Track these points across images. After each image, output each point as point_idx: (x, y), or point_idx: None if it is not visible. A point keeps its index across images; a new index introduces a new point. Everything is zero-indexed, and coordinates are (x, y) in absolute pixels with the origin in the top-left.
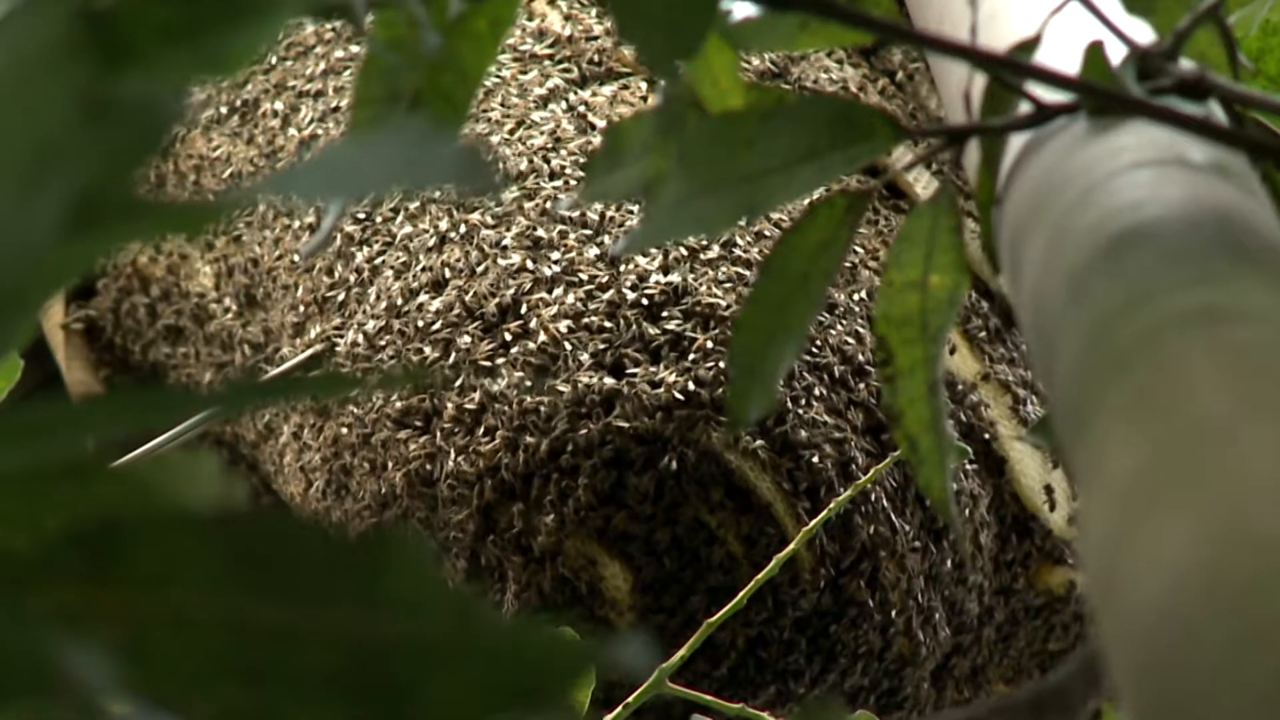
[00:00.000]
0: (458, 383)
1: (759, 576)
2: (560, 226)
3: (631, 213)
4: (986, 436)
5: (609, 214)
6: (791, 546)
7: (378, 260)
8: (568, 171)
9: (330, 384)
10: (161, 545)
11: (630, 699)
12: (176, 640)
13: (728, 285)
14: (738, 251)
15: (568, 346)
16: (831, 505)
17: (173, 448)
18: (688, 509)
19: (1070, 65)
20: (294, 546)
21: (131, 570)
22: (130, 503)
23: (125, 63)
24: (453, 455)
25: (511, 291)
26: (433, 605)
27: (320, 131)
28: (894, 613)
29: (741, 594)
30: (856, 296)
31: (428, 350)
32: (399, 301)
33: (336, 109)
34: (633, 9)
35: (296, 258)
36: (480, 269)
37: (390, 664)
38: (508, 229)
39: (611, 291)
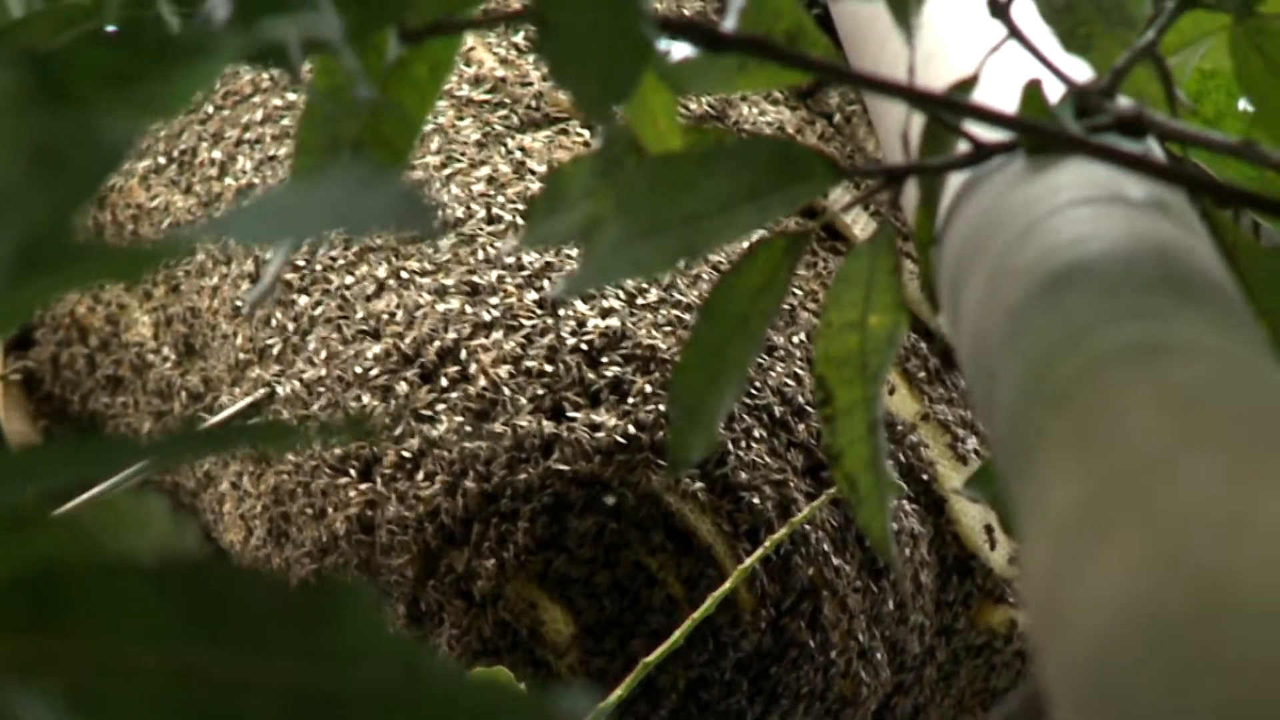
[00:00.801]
0: (398, 430)
1: (695, 615)
2: (499, 271)
3: (571, 257)
4: (926, 477)
5: (548, 259)
6: (728, 585)
7: (316, 308)
8: (506, 217)
9: (270, 433)
10: (107, 594)
11: None
12: (123, 689)
13: (667, 328)
14: (677, 295)
15: (507, 391)
16: (768, 543)
17: (115, 495)
18: (628, 552)
19: (1008, 104)
20: (240, 596)
21: (77, 619)
22: (74, 551)
23: (66, 105)
24: (393, 501)
25: (450, 337)
26: (379, 656)
27: (257, 180)
28: (835, 653)
29: (678, 633)
30: (795, 338)
31: (366, 397)
32: (338, 349)
33: (274, 158)
34: (566, 54)
35: (238, 307)
36: (419, 315)
37: (337, 714)
38: (446, 275)
39: (551, 336)
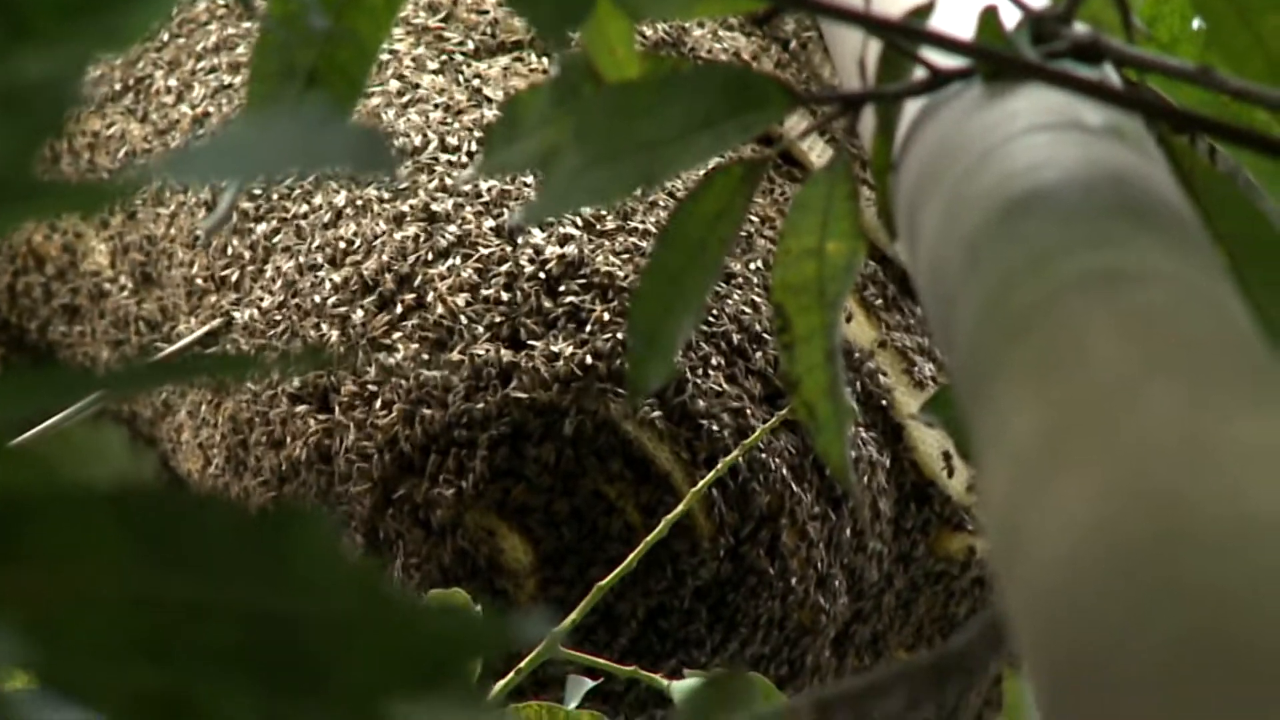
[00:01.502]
0: (356, 358)
1: (648, 538)
2: (456, 200)
3: (528, 185)
4: (884, 403)
5: (505, 187)
6: (680, 508)
7: (274, 237)
8: (462, 145)
9: (228, 363)
10: (65, 523)
11: (523, 664)
12: (81, 618)
13: (625, 256)
14: (635, 222)
15: (464, 319)
16: (720, 465)
17: (71, 425)
18: (586, 480)
19: (965, 30)
20: (198, 523)
21: (35, 549)
22: (32, 481)
23: (24, 38)
24: (351, 429)
25: (408, 265)
26: (336, 582)
27: (213, 109)
28: (794, 580)
29: (632, 556)
30: (753, 265)
31: (325, 326)
32: (295, 277)
33: (230, 86)
34: None
35: (195, 235)
36: (376, 243)
37: (297, 640)
38: (403, 203)
39: (509, 264)
